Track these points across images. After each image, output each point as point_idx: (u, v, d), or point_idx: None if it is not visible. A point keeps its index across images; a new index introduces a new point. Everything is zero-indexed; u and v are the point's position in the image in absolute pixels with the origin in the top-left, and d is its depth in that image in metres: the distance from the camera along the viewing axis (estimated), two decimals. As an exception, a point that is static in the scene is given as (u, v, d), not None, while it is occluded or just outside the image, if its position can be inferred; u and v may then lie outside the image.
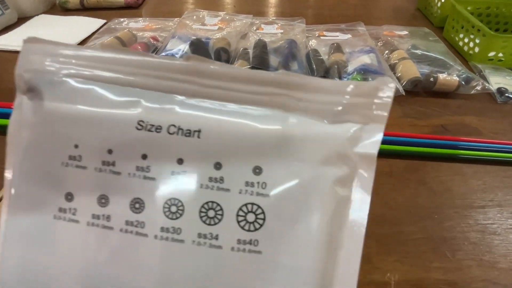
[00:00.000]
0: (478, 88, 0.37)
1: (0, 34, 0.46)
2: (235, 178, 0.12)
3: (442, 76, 0.37)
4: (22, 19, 0.50)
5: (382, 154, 0.29)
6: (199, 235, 0.12)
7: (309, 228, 0.12)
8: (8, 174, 0.12)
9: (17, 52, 0.42)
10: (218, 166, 0.12)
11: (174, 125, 0.12)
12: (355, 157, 0.12)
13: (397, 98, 0.37)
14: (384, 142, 0.29)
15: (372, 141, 0.12)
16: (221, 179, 0.12)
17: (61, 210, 0.12)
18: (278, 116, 0.12)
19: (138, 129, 0.12)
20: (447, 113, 0.35)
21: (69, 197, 0.12)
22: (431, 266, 0.22)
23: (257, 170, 0.12)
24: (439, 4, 0.52)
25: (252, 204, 0.12)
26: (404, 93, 0.36)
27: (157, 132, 0.12)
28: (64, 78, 0.12)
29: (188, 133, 0.12)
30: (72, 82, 0.12)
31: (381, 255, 0.22)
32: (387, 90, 0.12)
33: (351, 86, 0.12)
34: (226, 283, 0.12)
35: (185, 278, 0.12)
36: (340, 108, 0.12)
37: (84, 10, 0.54)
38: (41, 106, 0.12)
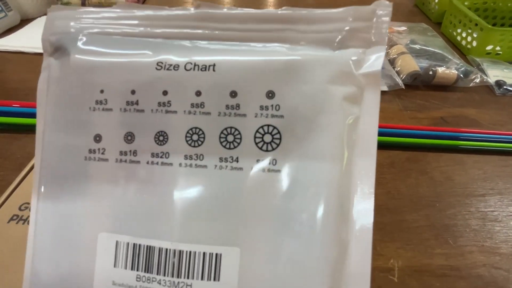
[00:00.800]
0: (477, 81, 0.38)
1: (3, 36, 0.46)
2: (250, 104, 0.13)
3: (441, 70, 0.37)
4: (24, 21, 0.50)
5: (383, 146, 0.30)
6: (221, 159, 0.12)
7: (323, 144, 0.12)
8: (40, 127, 0.13)
9: (20, 53, 0.43)
10: (233, 94, 0.13)
11: (190, 63, 0.13)
12: (360, 77, 0.13)
13: (397, 92, 0.37)
14: (385, 134, 0.30)
15: (375, 61, 0.13)
16: (237, 106, 0.13)
17: (91, 151, 0.13)
18: (284, 48, 0.13)
19: (157, 69, 0.13)
20: (447, 106, 0.36)
21: (97, 138, 0.13)
22: (433, 252, 0.22)
23: (270, 94, 0.13)
24: (436, 0, 0.53)
25: (268, 125, 0.13)
26: (403, 87, 0.37)
27: (175, 70, 0.13)
28: (87, 35, 0.13)
29: (204, 68, 0.13)
30: (94, 37, 0.13)
31: (384, 243, 0.23)
32: (385, 10, 0.13)
33: (350, 12, 0.13)
34: (248, 202, 0.12)
35: (210, 201, 0.12)
36: (342, 34, 0.13)
37: (85, 11, 0.55)
38: (68, 61, 0.13)
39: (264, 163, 0.12)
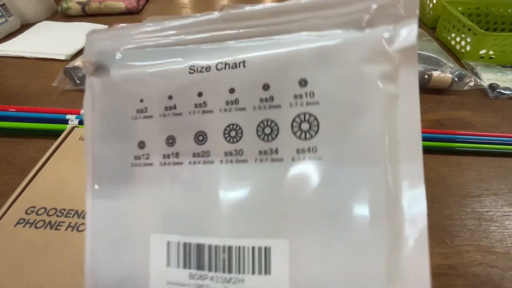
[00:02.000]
0: (471, 84, 0.39)
1: (3, 41, 0.46)
2: (283, 94, 0.13)
3: (436, 73, 0.38)
4: (24, 26, 0.51)
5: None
6: (260, 152, 0.13)
7: (364, 127, 0.12)
8: (88, 140, 0.14)
9: (21, 57, 0.43)
10: (266, 87, 0.13)
11: (221, 63, 0.13)
12: (395, 54, 0.12)
13: (394, 95, 0.38)
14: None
15: (408, 35, 0.12)
16: (271, 98, 0.13)
17: (136, 157, 0.14)
18: (312, 36, 0.13)
19: (190, 73, 0.13)
20: (442, 109, 0.37)
21: (141, 145, 0.14)
22: (431, 252, 0.22)
23: (303, 83, 0.13)
24: (431, 6, 0.54)
25: (304, 113, 0.12)
26: (400, 90, 0.38)
27: (207, 71, 0.13)
28: (123, 51, 0.14)
29: (234, 66, 0.13)
30: (130, 51, 0.14)
31: (383, 243, 0.23)
32: None
33: None
34: (292, 192, 0.12)
35: (253, 194, 0.13)
36: (370, 13, 0.13)
37: (86, 16, 0.55)
38: (108, 77, 0.14)
39: (304, 151, 0.12)
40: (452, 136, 0.31)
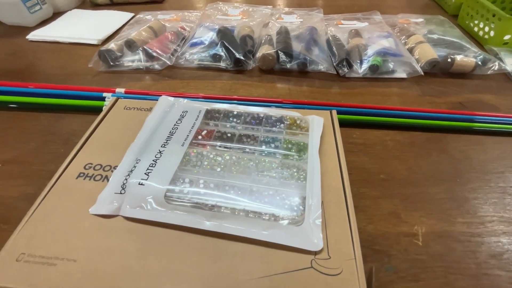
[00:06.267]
0: (495, 68, 0.39)
1: (38, 27, 0.49)
2: None
3: (459, 57, 0.38)
4: (56, 14, 0.53)
5: (404, 127, 0.32)
6: None
7: None
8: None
9: (56, 42, 0.45)
10: None
11: None
12: None
13: (416, 78, 0.39)
14: (404, 116, 0.32)
15: None
16: None
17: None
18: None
19: None
20: (465, 92, 0.37)
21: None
22: (455, 221, 0.24)
23: None
24: (453, -7, 0.53)
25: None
26: (422, 73, 0.38)
27: None
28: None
29: None
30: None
31: (408, 211, 0.24)
32: None
33: None
34: None
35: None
36: None
37: (112, 5, 0.58)
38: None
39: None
40: (471, 116, 0.32)
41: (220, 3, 0.56)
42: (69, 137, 0.31)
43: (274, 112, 0.24)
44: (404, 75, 0.39)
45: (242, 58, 0.39)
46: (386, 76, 0.39)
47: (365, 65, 0.38)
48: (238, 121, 0.23)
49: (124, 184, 0.18)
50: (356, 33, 0.44)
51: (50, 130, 0.31)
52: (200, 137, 0.22)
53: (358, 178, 0.26)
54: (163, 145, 0.21)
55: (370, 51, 0.40)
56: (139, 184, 0.18)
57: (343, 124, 0.29)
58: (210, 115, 0.24)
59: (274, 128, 0.23)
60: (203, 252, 0.16)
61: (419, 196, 0.25)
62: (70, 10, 0.55)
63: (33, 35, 0.47)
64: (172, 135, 0.22)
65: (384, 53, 0.39)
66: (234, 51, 0.39)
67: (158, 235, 0.16)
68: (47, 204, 0.18)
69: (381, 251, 0.21)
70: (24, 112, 0.33)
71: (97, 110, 0.33)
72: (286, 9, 0.55)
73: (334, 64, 0.39)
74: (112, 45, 0.40)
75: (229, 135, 0.22)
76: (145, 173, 0.18)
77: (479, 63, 0.39)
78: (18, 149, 0.29)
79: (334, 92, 0.37)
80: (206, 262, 0.15)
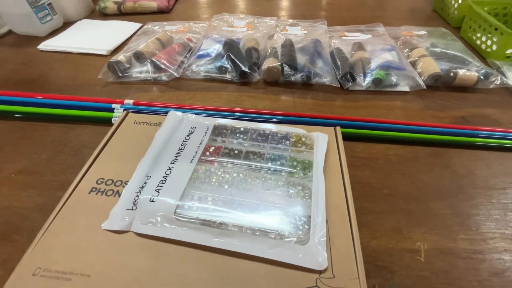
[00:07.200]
0: (497, 83, 0.39)
1: (49, 37, 0.50)
2: None
3: (461, 72, 0.39)
4: (66, 23, 0.55)
5: (407, 142, 0.32)
6: None
7: None
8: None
9: (66, 52, 0.47)
10: None
11: None
12: None
13: (419, 92, 0.39)
14: (408, 130, 0.32)
15: None
16: None
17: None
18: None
19: None
20: (467, 106, 0.37)
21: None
22: (457, 237, 0.24)
23: None
24: (456, 5, 0.54)
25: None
26: (425, 87, 0.39)
27: None
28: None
29: None
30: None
31: (410, 227, 0.24)
32: None
33: None
34: None
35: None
36: None
37: (121, 15, 0.59)
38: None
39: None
40: (474, 131, 0.32)
41: (226, 14, 0.57)
42: (79, 148, 0.31)
43: (279, 128, 0.25)
44: (407, 89, 0.39)
45: (247, 70, 0.40)
46: (389, 89, 0.40)
47: (368, 79, 0.39)
48: (245, 138, 0.24)
49: (135, 200, 0.19)
50: (360, 46, 0.44)
51: (61, 141, 0.32)
52: (208, 153, 0.22)
53: (361, 192, 0.27)
54: (172, 161, 0.21)
55: (373, 64, 0.40)
56: (150, 200, 0.19)
57: (346, 138, 0.30)
58: (217, 131, 0.25)
59: (279, 145, 0.23)
60: (212, 269, 0.16)
61: (421, 211, 0.26)
62: (80, 19, 0.56)
63: (45, 45, 0.48)
64: (181, 151, 0.22)
65: (387, 67, 0.40)
66: (239, 64, 0.40)
67: (168, 251, 0.17)
68: (61, 219, 0.19)
69: (384, 267, 0.22)
70: (35, 122, 0.34)
71: (106, 121, 0.34)
72: (290, 20, 0.56)
73: (338, 77, 0.40)
74: (121, 56, 0.41)
75: (236, 151, 0.22)
76: (155, 190, 0.19)
77: (481, 77, 0.39)
78: (29, 159, 0.30)
79: (337, 105, 0.37)
80: (215, 279, 0.16)
